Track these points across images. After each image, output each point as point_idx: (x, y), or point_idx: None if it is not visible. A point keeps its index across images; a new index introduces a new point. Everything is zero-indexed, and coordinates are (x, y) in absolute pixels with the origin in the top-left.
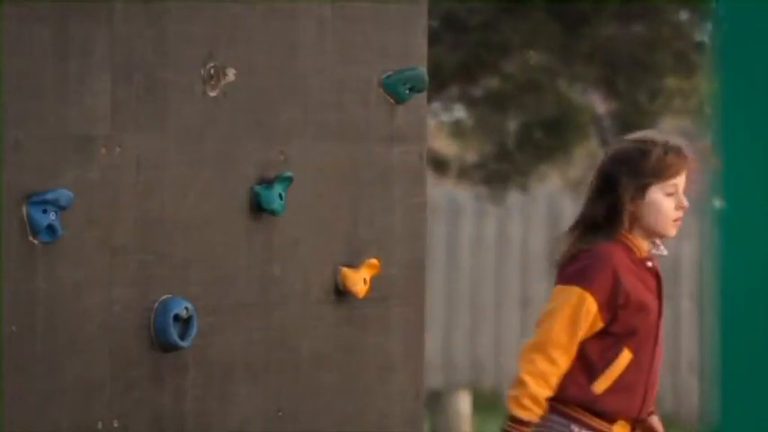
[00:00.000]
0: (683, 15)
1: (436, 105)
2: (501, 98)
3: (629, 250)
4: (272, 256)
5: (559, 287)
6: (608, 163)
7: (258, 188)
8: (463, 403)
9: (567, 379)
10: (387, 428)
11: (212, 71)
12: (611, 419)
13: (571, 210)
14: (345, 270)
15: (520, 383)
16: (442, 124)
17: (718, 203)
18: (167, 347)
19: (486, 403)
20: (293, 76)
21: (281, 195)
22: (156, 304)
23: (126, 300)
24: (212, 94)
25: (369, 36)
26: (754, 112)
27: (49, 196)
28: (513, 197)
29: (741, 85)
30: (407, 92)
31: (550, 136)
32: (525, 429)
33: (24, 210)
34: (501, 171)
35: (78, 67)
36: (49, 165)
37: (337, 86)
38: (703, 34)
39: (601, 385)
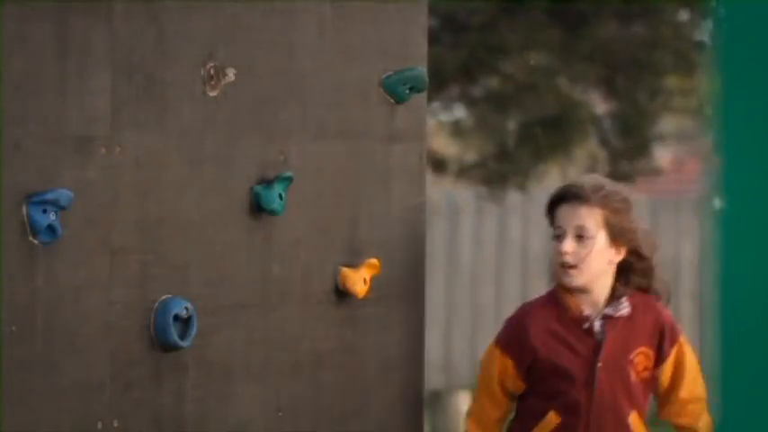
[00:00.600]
0: (683, 15)
1: (436, 105)
2: (501, 98)
3: (561, 308)
4: (272, 256)
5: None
6: None
7: (258, 188)
8: (463, 403)
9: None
10: (387, 428)
11: (212, 71)
12: None
13: None
14: (345, 270)
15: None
16: (441, 124)
17: (718, 203)
18: (167, 347)
19: None
20: (293, 75)
21: (281, 195)
22: (156, 304)
23: (126, 300)
24: (212, 94)
25: (369, 36)
26: (754, 112)
27: (49, 196)
28: (513, 197)
29: (741, 85)
30: (407, 92)
31: (550, 136)
32: None
33: (24, 210)
34: (500, 171)
35: (78, 67)
36: (48, 165)
37: (337, 86)
38: (703, 34)
39: None
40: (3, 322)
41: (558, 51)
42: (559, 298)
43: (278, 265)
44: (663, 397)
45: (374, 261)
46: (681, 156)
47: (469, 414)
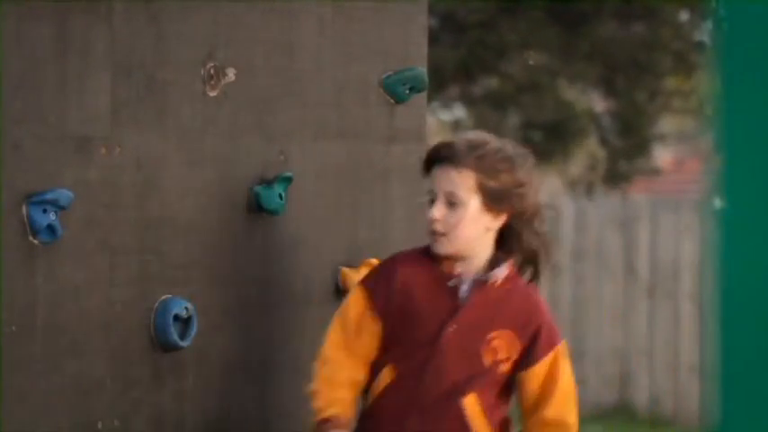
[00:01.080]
0: (683, 15)
1: (436, 104)
2: (500, 97)
3: (434, 262)
4: (272, 256)
5: None
6: None
7: (258, 188)
8: None
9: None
10: None
11: (212, 71)
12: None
13: (570, 209)
14: (345, 270)
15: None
16: (441, 123)
17: (718, 203)
18: (167, 347)
19: None
20: (293, 76)
21: (281, 195)
22: (156, 304)
23: (126, 300)
24: (212, 94)
25: (369, 36)
26: (754, 112)
27: (49, 196)
28: None
29: (741, 85)
30: (407, 92)
31: (549, 135)
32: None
33: (24, 210)
34: None
35: (78, 67)
36: (48, 165)
37: (337, 86)
38: (703, 34)
39: (365, 402)
40: (3, 322)
41: (558, 51)
42: (434, 255)
43: (278, 265)
44: (525, 411)
45: (374, 261)
46: (681, 156)
47: (317, 380)
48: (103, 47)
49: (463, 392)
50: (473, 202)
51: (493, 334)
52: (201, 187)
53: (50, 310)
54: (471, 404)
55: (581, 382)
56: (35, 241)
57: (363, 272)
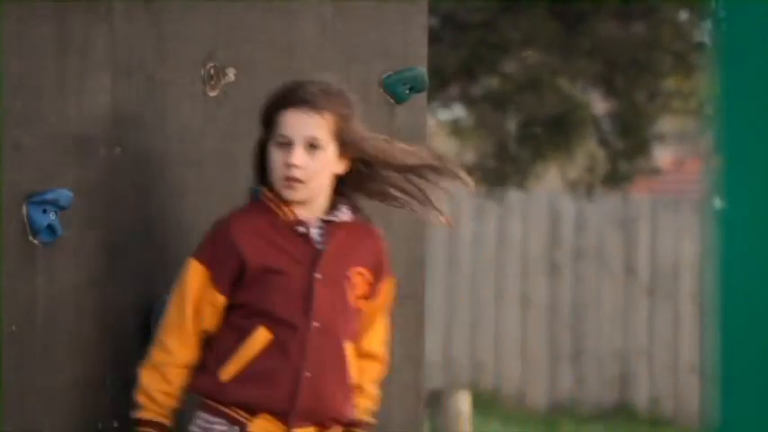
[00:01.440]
0: (683, 15)
1: (436, 104)
2: (500, 97)
3: (271, 214)
4: None
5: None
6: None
7: (258, 188)
8: (463, 403)
9: (198, 365)
10: (387, 428)
11: (212, 71)
12: (249, 410)
13: (571, 209)
14: None
15: (138, 381)
16: (441, 123)
17: (718, 203)
18: None
19: (486, 403)
20: (293, 76)
21: None
22: (157, 304)
23: (126, 300)
24: (212, 94)
25: (369, 36)
26: (754, 112)
27: (49, 196)
28: (513, 196)
29: (741, 86)
30: (407, 92)
31: (550, 135)
32: (148, 429)
33: (24, 210)
34: (500, 170)
35: (78, 67)
36: (48, 165)
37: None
38: (703, 34)
39: (228, 372)
40: (3, 322)
41: (558, 50)
42: (268, 206)
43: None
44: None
45: None
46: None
47: (147, 367)
48: (103, 47)
49: (344, 340)
50: (331, 147)
51: (351, 271)
52: (201, 187)
53: (50, 310)
54: (350, 353)
55: (581, 381)
56: (35, 241)
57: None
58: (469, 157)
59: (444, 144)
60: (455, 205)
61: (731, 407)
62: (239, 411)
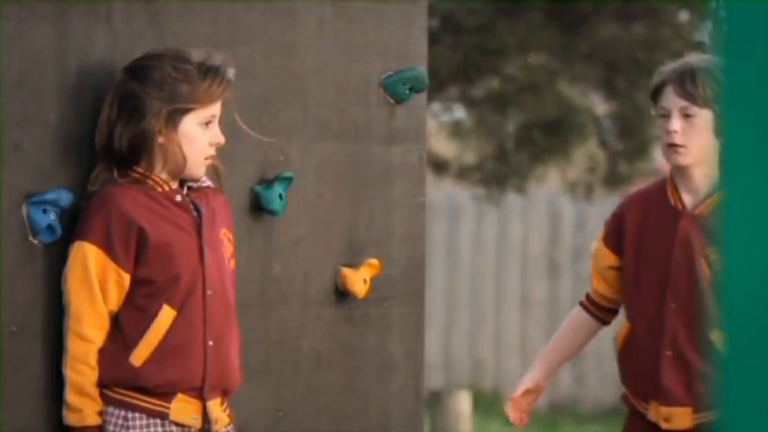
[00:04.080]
0: (683, 16)
1: (436, 106)
2: (500, 99)
3: (147, 186)
4: (272, 256)
5: (72, 245)
6: (133, 81)
7: (258, 188)
8: (463, 403)
9: (102, 356)
10: (387, 428)
11: None
12: (167, 395)
13: (570, 210)
14: (345, 270)
15: (64, 380)
16: (441, 125)
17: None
18: None
19: (486, 403)
20: (293, 76)
21: (281, 195)
22: None
23: None
24: None
25: (369, 36)
26: (754, 113)
27: (49, 196)
28: (513, 198)
29: (741, 86)
30: (407, 92)
31: (550, 137)
32: None
33: (24, 210)
34: (500, 172)
35: (78, 67)
36: (48, 165)
37: (337, 86)
38: (703, 34)
39: (140, 356)
40: (3, 322)
41: (558, 52)
42: (143, 178)
43: (278, 265)
44: None
45: (374, 261)
46: None
47: (71, 362)
48: (103, 47)
49: (231, 300)
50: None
51: (221, 235)
52: None
53: (50, 310)
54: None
55: (581, 381)
56: (35, 241)
57: (363, 272)
58: (470, 158)
59: (445, 145)
60: (455, 206)
61: (731, 406)
62: (155, 401)
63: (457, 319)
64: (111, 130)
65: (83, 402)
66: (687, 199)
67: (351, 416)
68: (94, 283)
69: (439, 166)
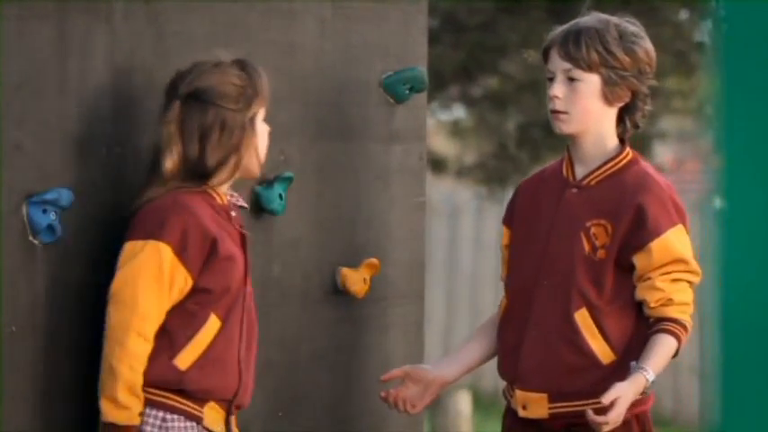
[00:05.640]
0: (683, 15)
1: (435, 105)
2: (500, 98)
3: (210, 196)
4: (272, 256)
5: (130, 243)
6: (206, 103)
7: (258, 188)
8: (463, 403)
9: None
10: (387, 428)
11: None
12: (202, 400)
13: None
14: (345, 270)
15: (112, 374)
16: (441, 124)
17: (718, 203)
18: None
19: (486, 403)
20: (293, 76)
21: (281, 195)
22: None
23: None
24: None
25: (369, 36)
26: (754, 112)
27: (49, 196)
28: None
29: (741, 85)
30: (407, 92)
31: (550, 135)
32: None
33: (24, 210)
34: (500, 171)
35: (78, 67)
36: (48, 165)
37: (337, 86)
38: (703, 34)
39: (186, 360)
40: (3, 322)
41: None
42: (206, 188)
43: (278, 265)
44: None
45: (374, 261)
46: (681, 155)
47: (126, 358)
48: (103, 47)
49: (257, 316)
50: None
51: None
52: None
53: (50, 310)
54: None
55: None
56: (35, 241)
57: (363, 272)
58: (470, 157)
59: (444, 145)
60: (455, 205)
61: (731, 407)
62: (192, 405)
63: (457, 320)
64: (191, 158)
65: (132, 401)
66: (579, 170)
67: (351, 416)
68: (166, 283)
69: (439, 165)
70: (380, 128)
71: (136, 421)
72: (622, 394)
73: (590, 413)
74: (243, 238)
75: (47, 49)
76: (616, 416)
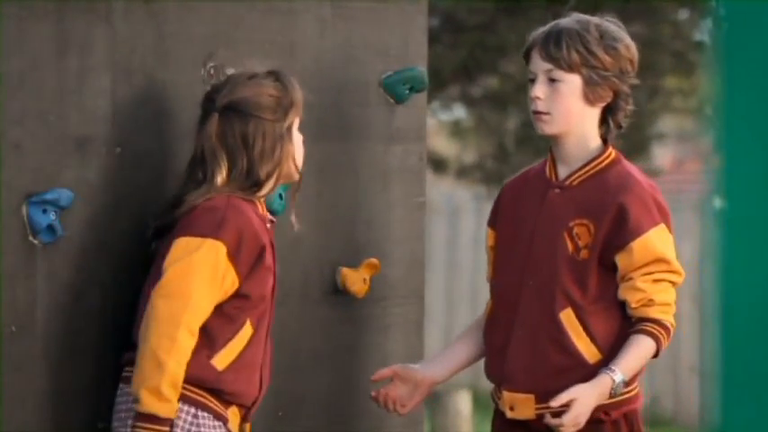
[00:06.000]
0: (683, 14)
1: (435, 105)
2: (500, 98)
3: (254, 205)
4: None
5: (184, 239)
6: (244, 116)
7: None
8: (463, 403)
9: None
10: (387, 428)
11: (212, 71)
12: (228, 402)
13: None
14: (345, 270)
15: (158, 366)
16: (441, 124)
17: (718, 203)
18: None
19: (486, 403)
20: (293, 76)
21: (281, 195)
22: None
23: (126, 300)
24: None
25: (369, 36)
26: (754, 112)
27: (49, 196)
28: None
29: (741, 85)
30: (407, 92)
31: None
32: (166, 429)
33: (24, 210)
34: (500, 171)
35: (78, 67)
36: (48, 165)
37: (337, 86)
38: (703, 33)
39: (223, 361)
40: (3, 322)
41: None
42: (252, 196)
43: (278, 265)
44: None
45: (374, 261)
46: (681, 156)
47: (175, 352)
48: (103, 47)
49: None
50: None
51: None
52: None
53: (50, 310)
54: None
55: None
56: (35, 241)
57: (363, 272)
58: (470, 157)
59: (444, 144)
60: (455, 205)
61: (731, 407)
62: (221, 405)
63: (457, 319)
64: (241, 169)
65: (174, 395)
66: (562, 170)
67: (351, 416)
68: (219, 282)
69: (439, 165)
70: (380, 128)
71: (174, 415)
72: (579, 396)
73: (547, 416)
74: (274, 249)
75: (47, 49)
76: (573, 418)
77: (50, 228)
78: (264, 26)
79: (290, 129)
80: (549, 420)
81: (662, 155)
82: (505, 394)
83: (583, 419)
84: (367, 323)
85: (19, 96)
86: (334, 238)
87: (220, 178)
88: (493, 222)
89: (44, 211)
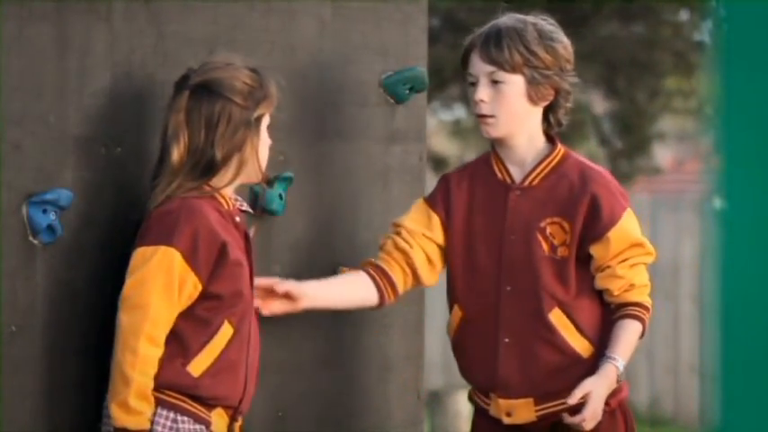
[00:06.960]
0: (683, 15)
1: (436, 105)
2: None
3: (216, 201)
4: (272, 256)
5: (141, 249)
6: (215, 95)
7: (258, 188)
8: (463, 403)
9: (159, 361)
10: (387, 428)
11: None
12: (211, 406)
13: None
14: (345, 270)
15: (123, 380)
16: (442, 123)
17: (718, 203)
18: None
19: None
20: (293, 76)
21: (281, 195)
22: None
23: None
24: None
25: (369, 36)
26: (754, 112)
27: (49, 196)
28: None
29: (741, 85)
30: (407, 92)
31: None
32: None
33: (24, 210)
34: None
35: (78, 67)
36: (48, 165)
37: (337, 86)
38: (703, 34)
39: (199, 366)
40: (3, 322)
41: None
42: (212, 191)
43: (278, 265)
44: None
45: (374, 261)
46: (681, 156)
47: (138, 363)
48: (103, 47)
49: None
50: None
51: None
52: None
53: (50, 310)
54: None
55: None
56: (35, 241)
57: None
58: (470, 157)
59: (445, 144)
60: None
61: (731, 407)
62: (202, 409)
63: None
64: (197, 148)
65: (143, 406)
66: (515, 171)
67: (351, 416)
68: (176, 289)
69: (439, 165)
70: (380, 128)
71: (146, 426)
72: (593, 389)
73: (566, 416)
74: (247, 243)
75: (47, 49)
76: (592, 411)
77: (50, 228)
78: (264, 26)
79: (258, 121)
80: (569, 419)
81: (662, 155)
82: (501, 402)
83: (600, 411)
84: (367, 323)
85: (19, 96)
86: (334, 238)
87: (177, 154)
88: (435, 205)
89: (44, 211)
